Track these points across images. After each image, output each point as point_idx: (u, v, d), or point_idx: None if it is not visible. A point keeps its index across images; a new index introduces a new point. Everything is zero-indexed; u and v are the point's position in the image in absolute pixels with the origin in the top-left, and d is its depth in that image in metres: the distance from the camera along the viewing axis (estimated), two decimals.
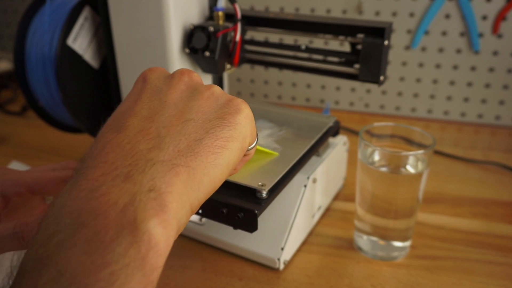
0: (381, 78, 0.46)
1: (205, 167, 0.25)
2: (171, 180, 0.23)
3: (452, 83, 0.79)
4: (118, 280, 0.19)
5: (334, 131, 0.53)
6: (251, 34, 0.82)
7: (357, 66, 0.47)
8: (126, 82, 0.54)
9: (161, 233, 0.21)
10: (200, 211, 0.41)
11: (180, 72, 0.30)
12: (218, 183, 0.27)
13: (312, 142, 0.48)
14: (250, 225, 0.38)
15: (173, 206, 0.22)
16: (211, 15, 0.53)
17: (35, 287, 0.19)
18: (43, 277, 0.19)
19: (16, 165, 0.63)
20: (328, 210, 0.56)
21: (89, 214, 0.21)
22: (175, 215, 0.22)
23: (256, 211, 0.37)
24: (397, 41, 0.79)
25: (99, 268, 0.19)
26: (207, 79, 0.56)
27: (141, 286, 0.20)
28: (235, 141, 0.27)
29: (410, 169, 0.44)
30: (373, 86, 0.83)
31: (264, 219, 0.46)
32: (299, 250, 0.49)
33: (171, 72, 0.31)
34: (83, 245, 0.20)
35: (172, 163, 0.24)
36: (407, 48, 0.79)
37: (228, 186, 0.40)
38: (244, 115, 0.28)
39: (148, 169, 0.23)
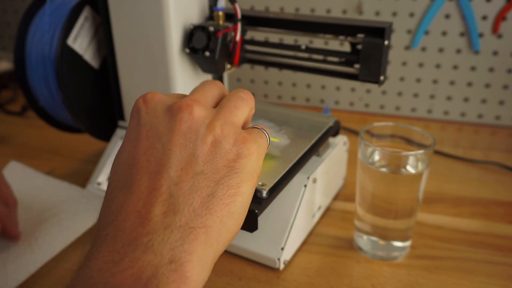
0: (381, 78, 0.46)
1: (221, 221, 0.25)
2: (190, 247, 0.23)
3: (452, 83, 0.79)
4: None
5: (334, 131, 0.53)
6: (251, 34, 0.82)
7: (357, 66, 0.47)
8: (126, 82, 0.54)
9: None
10: None
11: (179, 108, 0.27)
12: (236, 230, 0.27)
13: (312, 142, 0.48)
14: (250, 224, 0.38)
15: (194, 273, 0.23)
16: (211, 15, 0.53)
17: None
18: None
19: (15, 165, 0.62)
20: (328, 210, 0.56)
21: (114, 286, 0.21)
22: (197, 280, 0.23)
23: (256, 211, 0.37)
24: (397, 41, 0.79)
25: None
26: (207, 79, 0.56)
27: None
28: (246, 183, 0.27)
29: (410, 169, 0.44)
30: (373, 86, 0.83)
31: (264, 219, 0.46)
32: (299, 250, 0.49)
33: (170, 93, 0.30)
34: None
35: (189, 227, 0.24)
36: (407, 48, 0.79)
37: None
38: (250, 157, 0.28)
39: (167, 238, 0.23)
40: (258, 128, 0.32)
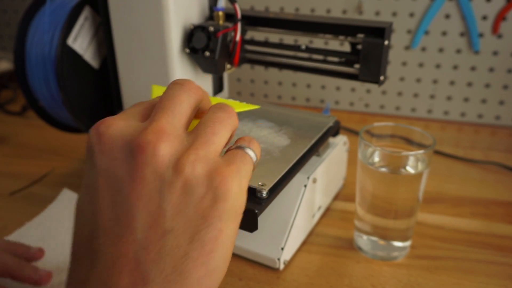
0: (381, 78, 0.46)
1: (198, 283, 0.22)
2: None
3: (452, 83, 0.79)
4: None
5: (334, 131, 0.53)
6: (251, 34, 0.82)
7: (357, 66, 0.47)
8: (126, 82, 0.54)
9: None
10: None
11: (139, 147, 0.22)
12: (219, 280, 0.24)
13: (312, 142, 0.48)
14: (250, 224, 0.38)
15: None
16: (211, 15, 0.53)
17: None
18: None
19: (67, 194, 0.58)
20: (328, 210, 0.56)
21: None
22: None
23: (257, 211, 0.37)
24: (397, 41, 0.79)
25: None
26: (207, 79, 0.56)
27: None
28: (227, 228, 0.23)
29: (410, 169, 0.44)
30: (373, 86, 0.83)
31: (264, 219, 0.46)
32: (299, 250, 0.49)
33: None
34: None
35: None
36: (407, 48, 0.79)
37: None
38: (229, 198, 0.23)
39: None
40: (241, 148, 0.26)
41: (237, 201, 0.24)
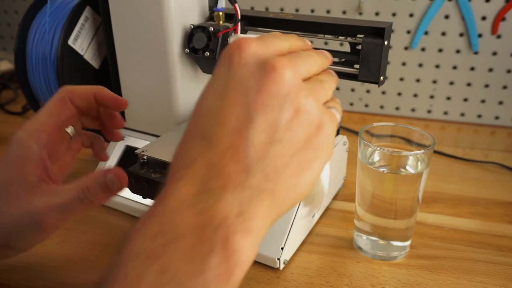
0: (381, 78, 0.46)
1: (287, 190, 0.26)
2: (256, 206, 0.25)
3: (451, 83, 0.80)
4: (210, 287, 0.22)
5: None
6: (251, 34, 0.82)
7: (357, 66, 0.47)
8: (126, 82, 0.55)
9: (246, 254, 0.24)
10: None
11: (273, 67, 0.26)
12: (297, 202, 0.28)
13: None
14: None
15: (257, 229, 0.25)
16: (211, 15, 0.53)
17: (141, 276, 0.22)
18: (148, 269, 0.22)
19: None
20: (328, 210, 0.56)
21: (188, 227, 0.23)
22: (258, 236, 0.25)
23: None
24: (396, 41, 0.79)
25: (195, 275, 0.22)
26: (207, 79, 0.56)
27: None
28: (318, 161, 0.28)
29: (409, 169, 0.44)
30: (373, 86, 0.83)
31: None
32: (299, 249, 0.49)
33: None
34: (183, 252, 0.23)
35: (258, 189, 0.25)
36: (407, 48, 0.79)
37: None
38: (328, 136, 0.28)
39: (237, 194, 0.24)
40: (333, 108, 0.31)
41: (331, 144, 0.28)
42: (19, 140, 0.37)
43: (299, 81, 0.27)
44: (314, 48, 0.33)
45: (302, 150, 0.27)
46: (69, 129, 0.40)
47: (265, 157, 0.25)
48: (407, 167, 0.44)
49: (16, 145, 0.37)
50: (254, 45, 0.27)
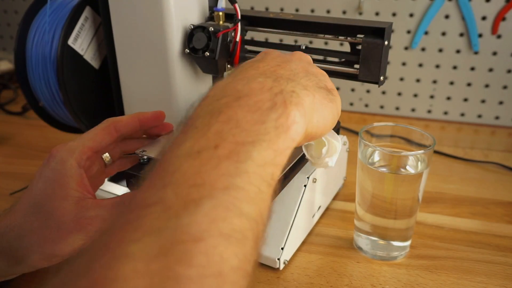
0: (381, 78, 0.46)
1: (321, 103, 0.31)
2: (304, 95, 0.30)
3: (451, 83, 0.80)
4: (268, 135, 0.26)
5: (334, 131, 0.53)
6: (251, 34, 0.82)
7: (357, 66, 0.47)
8: (126, 82, 0.55)
9: (300, 120, 0.28)
10: None
11: (294, 53, 0.37)
12: (324, 126, 0.33)
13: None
14: None
15: (305, 111, 0.29)
16: (211, 15, 0.53)
17: (209, 124, 0.25)
18: (215, 119, 0.26)
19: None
20: (328, 210, 0.56)
21: (250, 90, 0.28)
22: (305, 119, 0.29)
23: None
24: (397, 41, 0.79)
25: (257, 123, 0.26)
26: (207, 79, 0.56)
27: (284, 147, 0.26)
28: (335, 103, 0.34)
29: (410, 169, 0.44)
30: (373, 86, 0.83)
31: None
32: (299, 250, 0.49)
33: None
34: (246, 106, 0.27)
35: (303, 86, 0.31)
36: (407, 48, 0.79)
37: None
38: (338, 102, 0.35)
39: (289, 83, 0.30)
40: None
41: (338, 105, 0.35)
42: (60, 158, 0.39)
43: (309, 63, 0.37)
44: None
45: (325, 91, 0.33)
46: (105, 156, 0.43)
47: (306, 77, 0.33)
48: (407, 167, 0.44)
49: (57, 162, 0.39)
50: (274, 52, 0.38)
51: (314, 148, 0.41)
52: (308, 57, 0.38)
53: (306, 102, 0.29)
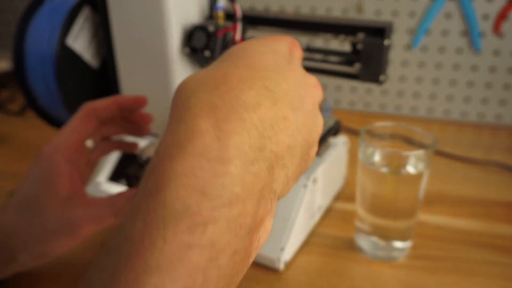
0: (382, 78, 0.46)
1: (296, 178, 0.28)
2: (284, 189, 0.27)
3: (452, 83, 0.79)
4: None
5: (334, 131, 0.53)
6: (251, 33, 0.81)
7: (357, 65, 0.47)
8: (126, 82, 0.54)
9: (269, 227, 0.26)
10: None
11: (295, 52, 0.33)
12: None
13: None
14: None
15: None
16: (211, 15, 0.53)
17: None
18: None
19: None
20: (328, 210, 0.56)
21: (244, 187, 0.23)
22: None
23: None
24: (397, 41, 0.79)
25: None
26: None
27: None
28: (310, 161, 0.30)
29: (410, 169, 0.44)
30: (373, 86, 0.83)
31: None
32: (299, 250, 0.48)
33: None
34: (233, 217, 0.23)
35: (290, 175, 0.26)
36: (408, 47, 0.79)
37: None
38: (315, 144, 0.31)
39: (280, 173, 0.25)
40: None
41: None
42: (47, 156, 0.39)
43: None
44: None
45: (305, 159, 0.29)
46: (89, 143, 0.42)
47: (296, 154, 0.27)
48: (408, 167, 0.44)
49: (44, 160, 0.38)
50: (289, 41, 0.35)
51: None
52: (320, 94, 0.33)
53: (284, 192, 0.26)
